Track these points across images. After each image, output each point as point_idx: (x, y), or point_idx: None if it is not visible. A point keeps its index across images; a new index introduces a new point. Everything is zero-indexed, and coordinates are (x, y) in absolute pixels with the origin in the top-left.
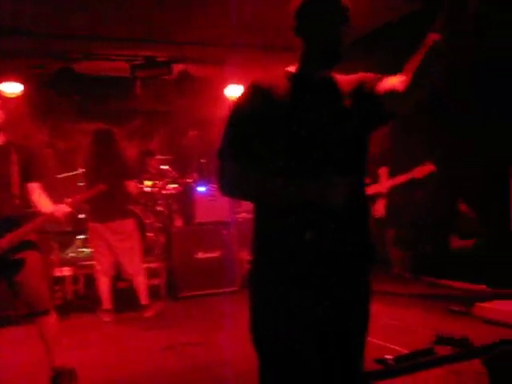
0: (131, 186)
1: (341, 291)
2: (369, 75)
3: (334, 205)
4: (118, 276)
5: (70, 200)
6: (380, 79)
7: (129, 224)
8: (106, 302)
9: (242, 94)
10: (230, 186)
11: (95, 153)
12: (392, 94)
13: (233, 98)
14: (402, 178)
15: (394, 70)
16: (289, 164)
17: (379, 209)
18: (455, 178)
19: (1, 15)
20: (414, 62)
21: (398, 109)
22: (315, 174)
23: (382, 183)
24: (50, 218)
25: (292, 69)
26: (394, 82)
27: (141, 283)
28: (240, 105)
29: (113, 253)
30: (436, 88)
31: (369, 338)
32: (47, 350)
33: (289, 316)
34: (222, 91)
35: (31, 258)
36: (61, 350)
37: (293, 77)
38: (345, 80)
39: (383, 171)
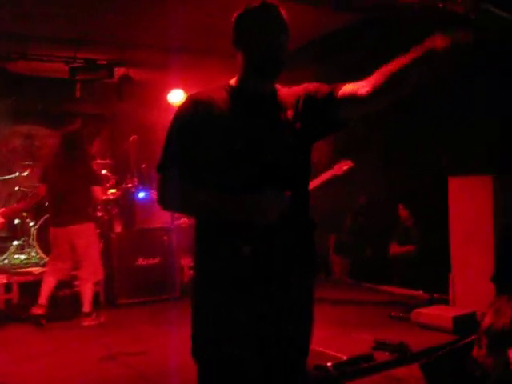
0: (98, 191)
1: (282, 299)
2: (316, 84)
3: (267, 220)
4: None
5: (3, 210)
6: (334, 87)
7: (90, 228)
8: (43, 298)
9: (181, 108)
10: (169, 201)
11: (60, 154)
12: (353, 98)
13: (175, 103)
14: (323, 177)
15: (337, 78)
16: (227, 179)
17: None
18: (396, 184)
19: None
20: (397, 65)
21: (356, 113)
22: (253, 189)
23: None
24: None
25: (232, 81)
26: (353, 87)
27: (89, 289)
28: (179, 118)
29: (74, 257)
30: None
31: None
32: None
33: (229, 325)
34: (164, 96)
35: None
36: None
37: (232, 90)
38: (288, 92)
39: None
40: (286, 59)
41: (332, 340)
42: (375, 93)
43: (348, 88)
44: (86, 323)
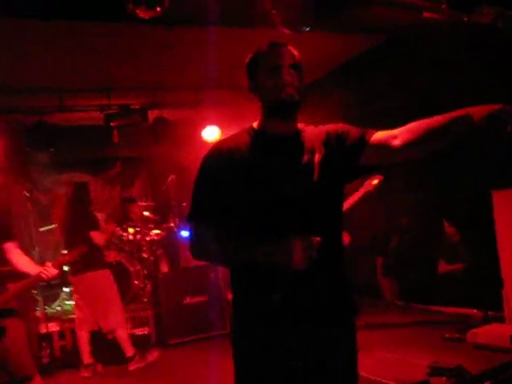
0: (95, 236)
1: (309, 334)
2: (347, 126)
3: (296, 267)
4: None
5: (53, 262)
6: (366, 132)
7: (102, 275)
8: (85, 356)
9: (207, 155)
10: (199, 253)
11: (72, 206)
12: (385, 147)
13: (210, 140)
14: (355, 197)
15: (362, 104)
16: (253, 224)
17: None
18: (440, 202)
19: None
20: (436, 121)
21: (385, 162)
22: (280, 234)
23: None
24: (37, 280)
25: (255, 124)
26: (386, 136)
27: (121, 336)
28: (205, 166)
29: (89, 306)
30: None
31: (360, 373)
32: None
33: (258, 357)
34: (199, 133)
35: (12, 325)
36: None
37: (254, 133)
38: (313, 132)
39: None
40: (300, 97)
41: (386, 367)
42: (408, 145)
43: (380, 135)
44: (132, 367)
